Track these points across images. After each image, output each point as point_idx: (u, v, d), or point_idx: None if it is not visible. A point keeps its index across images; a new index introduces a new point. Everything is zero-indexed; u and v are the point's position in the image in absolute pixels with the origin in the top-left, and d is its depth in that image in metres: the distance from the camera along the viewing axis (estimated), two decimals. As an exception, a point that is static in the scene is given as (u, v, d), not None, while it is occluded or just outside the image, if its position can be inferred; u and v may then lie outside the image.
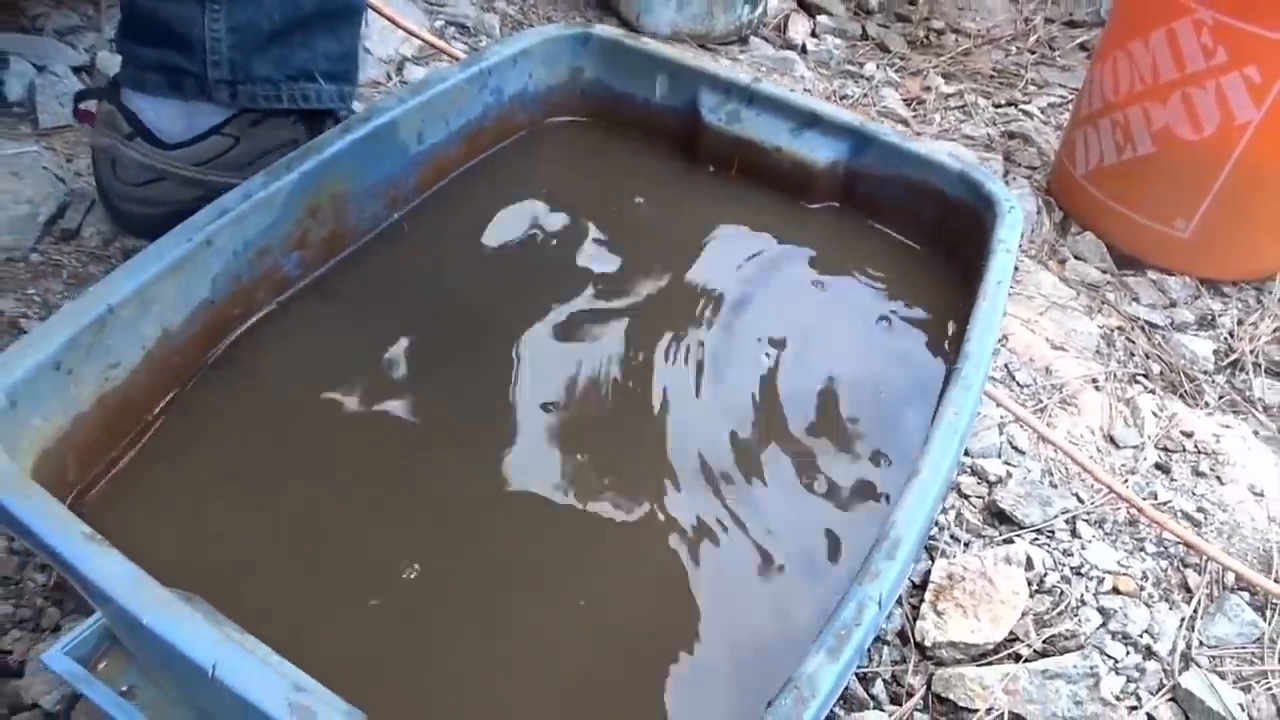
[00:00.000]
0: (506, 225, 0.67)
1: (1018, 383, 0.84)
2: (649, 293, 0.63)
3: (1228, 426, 0.82)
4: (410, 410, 0.54)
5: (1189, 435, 0.80)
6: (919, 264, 0.68)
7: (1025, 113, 1.26)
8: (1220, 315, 0.99)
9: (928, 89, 1.28)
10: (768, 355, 0.60)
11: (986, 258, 0.59)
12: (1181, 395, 0.89)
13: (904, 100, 1.25)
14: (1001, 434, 0.77)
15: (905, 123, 1.21)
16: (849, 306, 0.65)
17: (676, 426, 0.56)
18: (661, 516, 0.51)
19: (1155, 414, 0.82)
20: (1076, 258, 1.03)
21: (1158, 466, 0.77)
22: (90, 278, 0.77)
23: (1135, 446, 0.79)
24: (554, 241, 0.66)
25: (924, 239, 0.68)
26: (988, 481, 0.73)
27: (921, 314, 0.65)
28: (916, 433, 0.57)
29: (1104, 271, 1.02)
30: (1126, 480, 0.75)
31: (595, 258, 0.65)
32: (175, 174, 0.70)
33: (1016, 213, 0.62)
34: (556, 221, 0.67)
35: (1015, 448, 0.77)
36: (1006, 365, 0.86)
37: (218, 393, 0.53)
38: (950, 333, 0.63)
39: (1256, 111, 0.89)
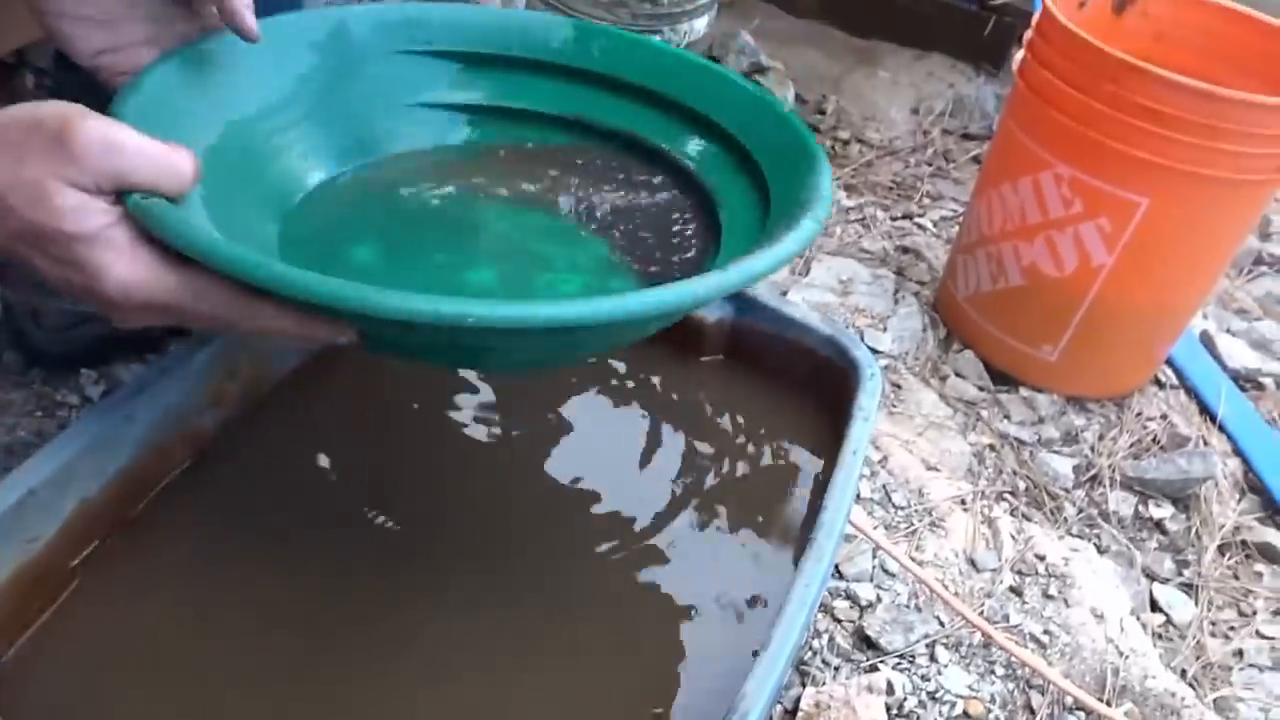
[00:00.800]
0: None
1: (894, 504, 0.91)
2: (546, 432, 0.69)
3: (1076, 550, 0.90)
4: (318, 588, 0.58)
5: (1041, 558, 0.88)
6: (795, 415, 0.74)
7: (919, 226, 1.36)
8: (1083, 431, 1.08)
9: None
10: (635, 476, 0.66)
11: (846, 423, 0.66)
12: (1043, 511, 0.97)
13: (807, 213, 1.33)
14: (875, 558, 0.84)
15: (807, 235, 1.29)
16: (727, 451, 0.71)
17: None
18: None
19: (1013, 536, 0.90)
20: (957, 374, 1.11)
21: (1012, 589, 0.85)
22: (9, 404, 0.80)
23: (993, 569, 0.86)
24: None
25: (800, 391, 0.75)
26: (859, 606, 0.80)
27: (791, 463, 0.71)
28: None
29: (981, 389, 1.10)
30: (983, 604, 0.83)
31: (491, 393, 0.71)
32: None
33: (876, 380, 0.69)
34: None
35: (887, 571, 0.84)
36: (885, 487, 0.93)
37: (129, 555, 0.57)
38: (815, 483, 0.70)
39: (1109, 256, 0.98)
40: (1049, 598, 0.85)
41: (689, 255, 0.59)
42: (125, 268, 0.42)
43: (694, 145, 0.64)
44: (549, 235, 0.59)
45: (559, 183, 0.63)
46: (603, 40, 0.65)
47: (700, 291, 0.44)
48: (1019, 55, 1.04)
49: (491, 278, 0.55)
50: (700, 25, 1.26)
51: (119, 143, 0.42)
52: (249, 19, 0.53)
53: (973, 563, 0.87)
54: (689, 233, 0.60)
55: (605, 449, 0.70)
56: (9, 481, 0.51)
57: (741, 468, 0.70)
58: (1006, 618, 0.82)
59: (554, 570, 0.62)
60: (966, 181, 1.47)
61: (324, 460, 0.65)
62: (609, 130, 0.65)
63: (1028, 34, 1.02)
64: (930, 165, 1.50)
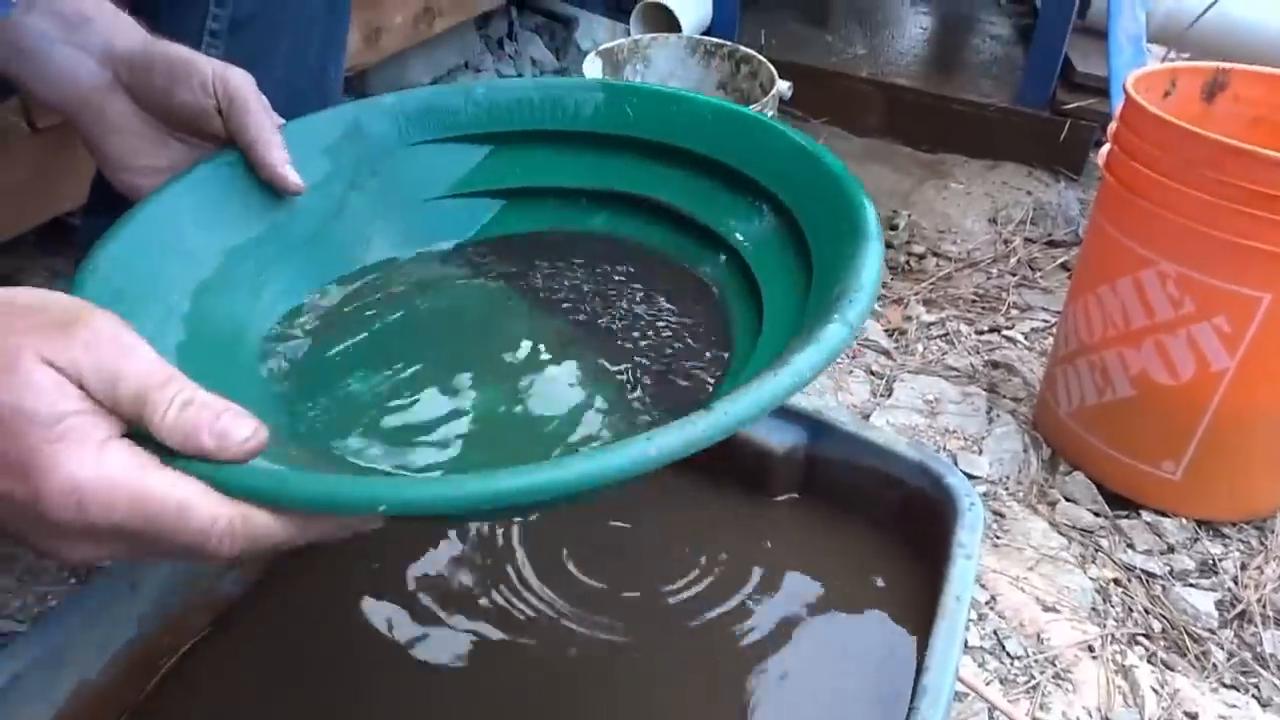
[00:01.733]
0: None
1: (1008, 654, 0.80)
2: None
3: (1234, 706, 0.77)
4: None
5: (1193, 717, 0.75)
6: (886, 555, 0.65)
7: (1009, 339, 1.27)
8: (1221, 560, 0.95)
9: (909, 318, 1.29)
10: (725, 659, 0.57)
11: (946, 564, 0.57)
12: (1187, 657, 0.84)
13: (885, 331, 1.26)
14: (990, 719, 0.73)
15: (888, 354, 1.21)
16: (810, 610, 0.62)
17: None
18: None
19: (1156, 690, 0.77)
20: (1067, 499, 1.00)
21: (1162, 756, 0.72)
22: None
23: (1136, 732, 0.73)
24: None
25: (888, 529, 0.66)
26: (978, 780, 0.68)
27: (885, 617, 0.62)
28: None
29: (1096, 514, 0.99)
30: (1129, 774, 0.70)
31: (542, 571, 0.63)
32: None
33: (977, 511, 0.60)
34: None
35: (1007, 735, 0.72)
36: (996, 632, 0.82)
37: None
38: (914, 638, 0.60)
39: (1231, 360, 0.88)
40: (1208, 764, 0.72)
41: (716, 363, 0.51)
42: (86, 467, 0.34)
43: (736, 211, 0.57)
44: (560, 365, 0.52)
45: (578, 289, 0.57)
46: (634, 99, 0.59)
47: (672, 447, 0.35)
48: (1104, 150, 0.97)
49: (491, 406, 0.49)
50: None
51: (128, 345, 0.35)
52: (291, 177, 0.52)
53: (1110, 723, 0.74)
54: (717, 328, 0.53)
55: (661, 609, 0.62)
56: (-11, 666, 0.45)
57: (824, 625, 0.61)
58: (1159, 792, 0.69)
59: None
60: (1056, 290, 1.38)
61: (367, 614, 0.59)
62: (645, 200, 0.59)
63: (1112, 126, 0.95)
64: (1014, 275, 1.41)
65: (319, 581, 0.61)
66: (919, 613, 0.62)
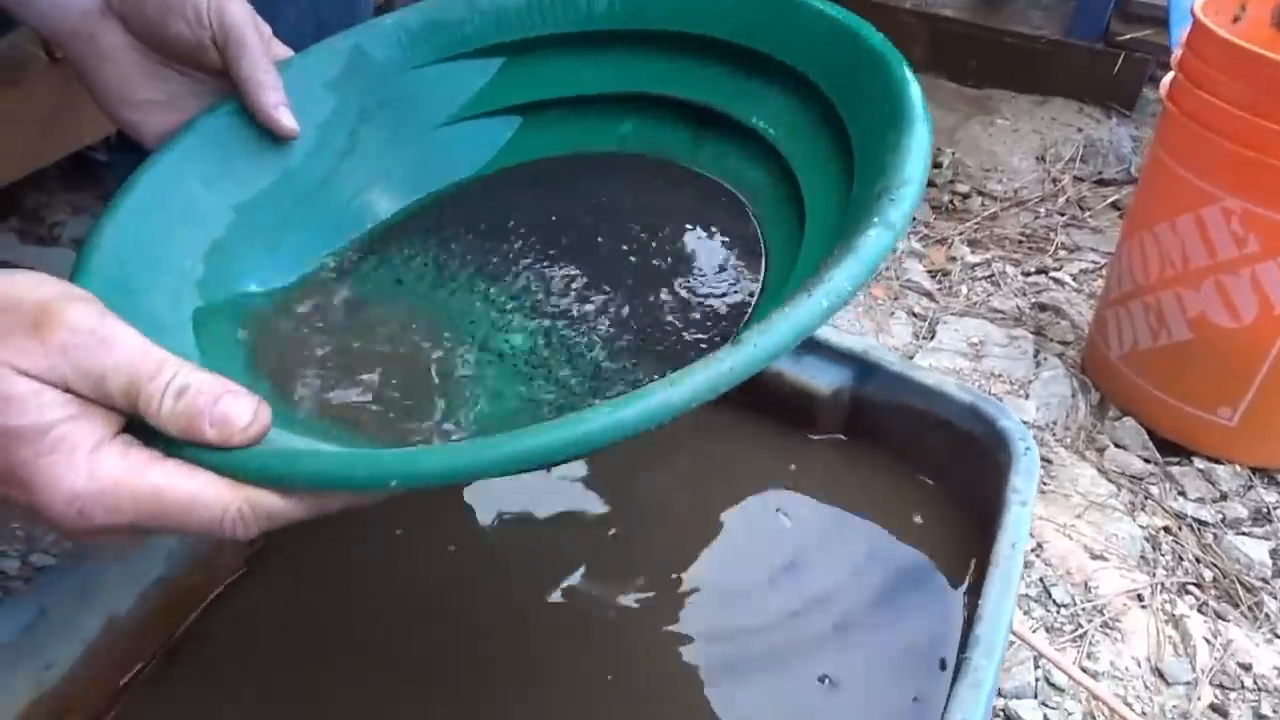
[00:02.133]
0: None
1: (1054, 602, 0.77)
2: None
3: (1291, 658, 0.74)
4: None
5: (1247, 668, 0.73)
6: (931, 501, 0.63)
7: (1056, 280, 1.23)
8: (1276, 508, 0.92)
9: (953, 259, 1.25)
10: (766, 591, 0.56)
11: (1000, 510, 0.55)
12: (1238, 607, 0.81)
13: (928, 272, 1.22)
14: (1037, 668, 0.71)
15: (930, 295, 1.18)
16: (854, 552, 0.60)
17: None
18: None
19: (1208, 640, 0.75)
20: (1117, 445, 0.97)
21: (1213, 708, 0.70)
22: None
23: (1187, 683, 0.71)
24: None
25: (935, 472, 0.63)
26: (1022, 729, 0.66)
27: (932, 564, 0.59)
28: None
29: (1147, 461, 0.96)
30: (1179, 726, 0.68)
31: (577, 497, 0.62)
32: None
33: (1032, 455, 0.57)
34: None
35: (1052, 684, 0.70)
36: (1042, 580, 0.79)
37: (169, 687, 0.50)
38: (965, 584, 0.58)
39: (1297, 301, 0.84)
40: (1261, 718, 0.69)
41: (750, 285, 0.47)
42: (82, 477, 0.32)
43: (768, 102, 0.51)
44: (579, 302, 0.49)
45: (598, 213, 0.53)
46: None
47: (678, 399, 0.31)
48: (1168, 79, 0.92)
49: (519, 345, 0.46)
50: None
51: (108, 337, 0.33)
52: (285, 119, 0.49)
53: (1160, 674, 0.72)
54: (752, 245, 0.49)
55: (699, 551, 0.60)
56: (18, 599, 0.44)
57: (871, 571, 0.59)
58: (1212, 744, 0.67)
59: (664, 691, 0.52)
60: (1106, 230, 1.33)
61: (408, 552, 0.57)
62: (671, 100, 0.54)
63: (1176, 53, 0.90)
64: (1063, 215, 1.36)
65: (357, 519, 0.60)
66: (963, 559, 0.60)
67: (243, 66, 0.48)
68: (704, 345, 0.44)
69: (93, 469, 0.32)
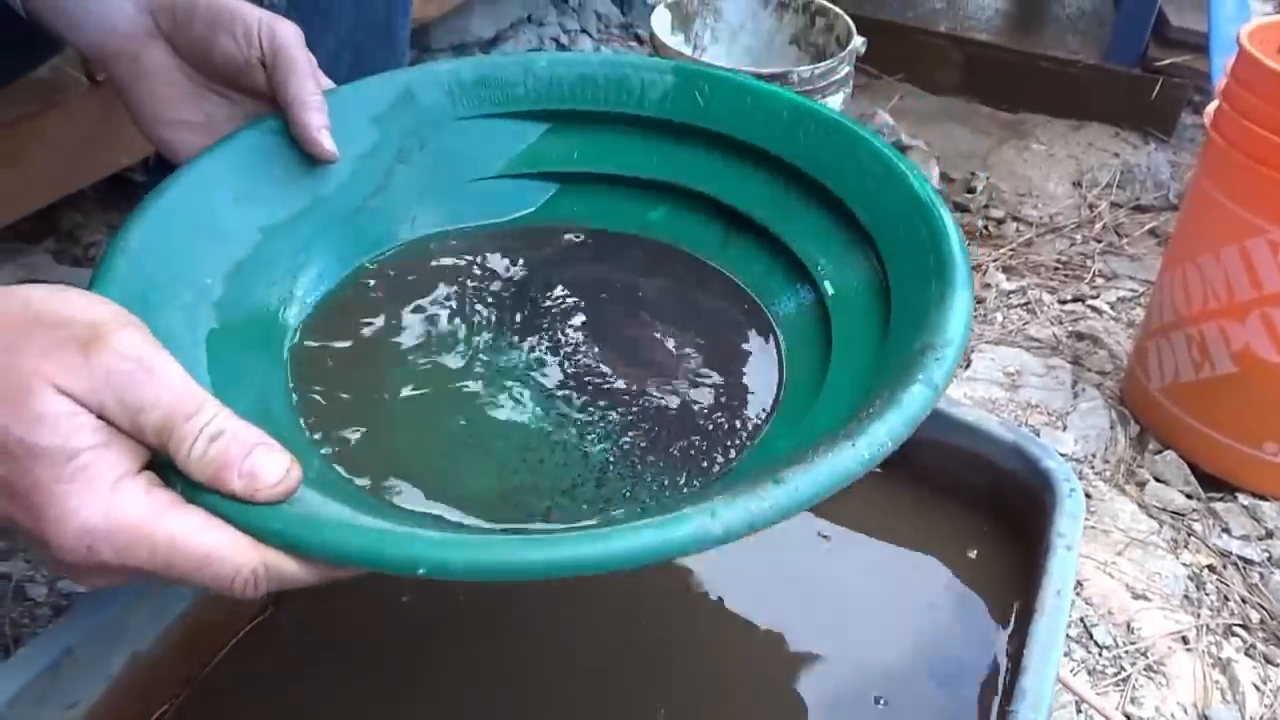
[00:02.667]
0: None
1: (1096, 643, 0.75)
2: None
3: (1345, 708, 0.72)
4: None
5: (1300, 717, 0.70)
6: (972, 539, 0.61)
7: (1094, 309, 1.20)
8: (1325, 547, 0.89)
9: (988, 285, 1.23)
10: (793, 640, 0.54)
11: (1045, 555, 0.53)
12: (1288, 650, 0.79)
13: (962, 299, 1.20)
14: (1079, 713, 0.69)
15: (964, 323, 1.16)
16: (892, 589, 0.58)
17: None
18: None
19: (1258, 686, 0.73)
20: (1157, 479, 0.95)
21: (1265, 760, 0.67)
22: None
23: (1236, 732, 0.69)
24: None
25: (977, 513, 0.62)
26: (1064, 778, 0.64)
27: (977, 601, 0.58)
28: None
29: (1189, 496, 0.93)
30: (1228, 778, 0.66)
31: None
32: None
33: (1078, 497, 0.55)
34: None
35: (1095, 731, 0.68)
36: (1083, 619, 0.77)
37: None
38: (1009, 628, 0.57)
39: (1348, 336, 0.82)
40: (1315, 770, 0.67)
41: (759, 408, 0.46)
42: (98, 512, 0.31)
43: (804, 221, 0.52)
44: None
45: (621, 302, 0.52)
46: (706, 85, 0.54)
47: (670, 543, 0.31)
48: (1212, 108, 0.90)
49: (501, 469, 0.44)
50: (835, 103, 1.18)
51: (154, 369, 0.32)
52: (327, 142, 0.49)
53: (1208, 721, 0.70)
54: (768, 360, 0.48)
55: (726, 589, 0.58)
56: (44, 638, 0.43)
57: (906, 613, 0.57)
58: (1262, 798, 0.64)
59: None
60: (1144, 257, 1.31)
61: (435, 591, 0.57)
62: (707, 198, 0.55)
63: (1221, 82, 0.88)
64: (1100, 242, 1.34)
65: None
66: (1006, 600, 0.58)
67: (290, 86, 0.48)
68: (720, 459, 0.43)
69: (112, 505, 0.32)
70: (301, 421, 0.43)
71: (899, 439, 0.35)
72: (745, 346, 0.50)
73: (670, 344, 0.50)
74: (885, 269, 0.46)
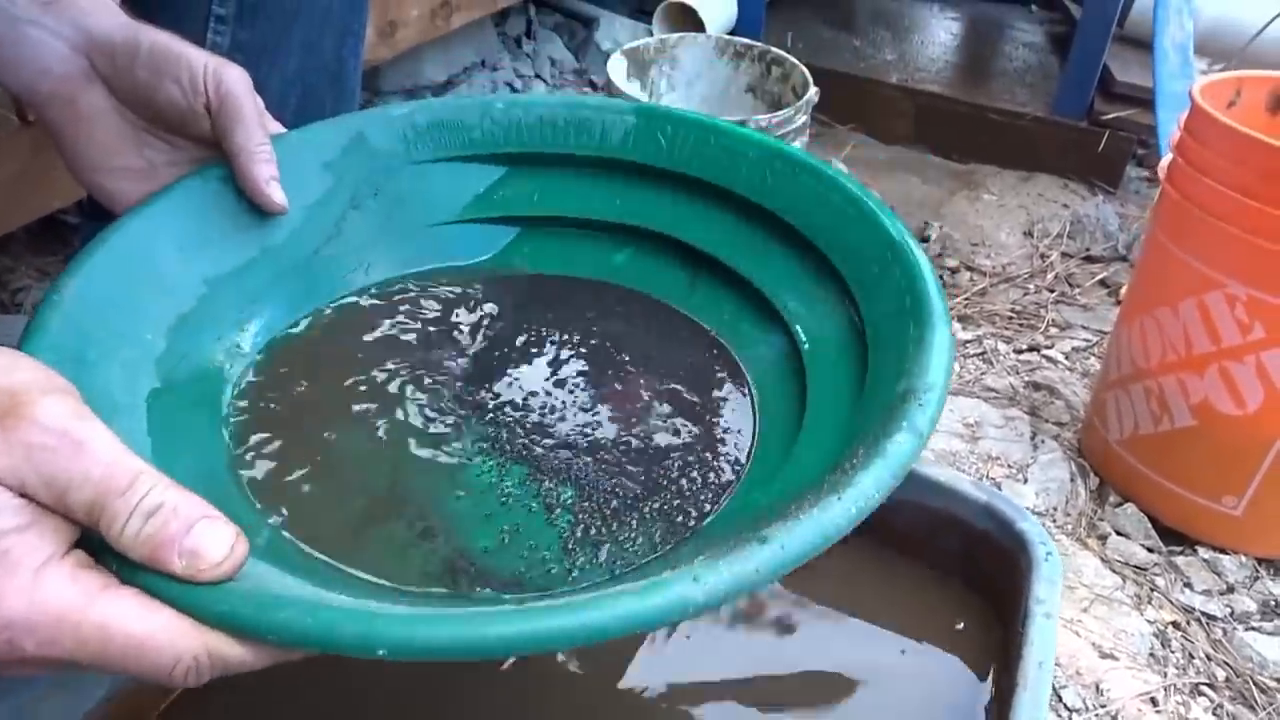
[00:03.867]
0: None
1: (1065, 706, 0.73)
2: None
3: (1317, 771, 0.70)
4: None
5: (1273, 782, 0.69)
6: (943, 609, 0.59)
7: (1049, 359, 1.20)
8: (1286, 601, 0.89)
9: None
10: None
11: (1024, 622, 0.51)
12: (1253, 708, 0.78)
13: (920, 349, 1.20)
14: (1051, 781, 0.66)
15: (922, 373, 1.15)
16: (862, 660, 0.56)
17: None
18: None
19: (1229, 750, 0.71)
20: (1118, 533, 0.94)
21: (1241, 828, 0.66)
22: None
23: (1211, 799, 0.67)
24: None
25: (948, 577, 0.60)
26: None
27: (944, 678, 0.56)
28: None
29: (1150, 550, 0.92)
30: None
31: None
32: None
33: (1054, 561, 0.54)
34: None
35: (1069, 800, 0.65)
36: (1053, 681, 0.75)
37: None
38: (985, 699, 0.54)
39: (1304, 390, 0.82)
40: (1291, 837, 0.65)
41: (732, 460, 0.44)
42: (20, 602, 0.28)
43: (772, 264, 0.50)
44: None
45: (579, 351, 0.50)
46: (669, 126, 0.53)
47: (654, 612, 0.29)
48: (1165, 162, 0.91)
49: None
50: (791, 153, 1.17)
51: (82, 441, 0.29)
52: (276, 194, 0.47)
53: (1181, 788, 0.68)
54: (740, 407, 0.46)
55: (690, 660, 0.56)
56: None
57: (874, 685, 0.55)
58: None
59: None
60: (1096, 307, 1.32)
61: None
62: (671, 240, 0.53)
63: (1174, 136, 0.89)
64: (1053, 291, 1.35)
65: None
66: (982, 665, 0.56)
67: (237, 136, 0.45)
68: (694, 512, 0.41)
69: (34, 594, 0.28)
70: (247, 486, 0.40)
71: (886, 490, 0.33)
72: (717, 395, 0.48)
73: (638, 394, 0.47)
74: (859, 311, 0.44)
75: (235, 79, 0.45)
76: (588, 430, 0.45)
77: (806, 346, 0.46)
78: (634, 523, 0.40)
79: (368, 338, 0.49)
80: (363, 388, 0.46)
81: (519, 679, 0.53)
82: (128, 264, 0.42)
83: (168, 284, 0.44)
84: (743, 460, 0.44)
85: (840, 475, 0.33)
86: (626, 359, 0.49)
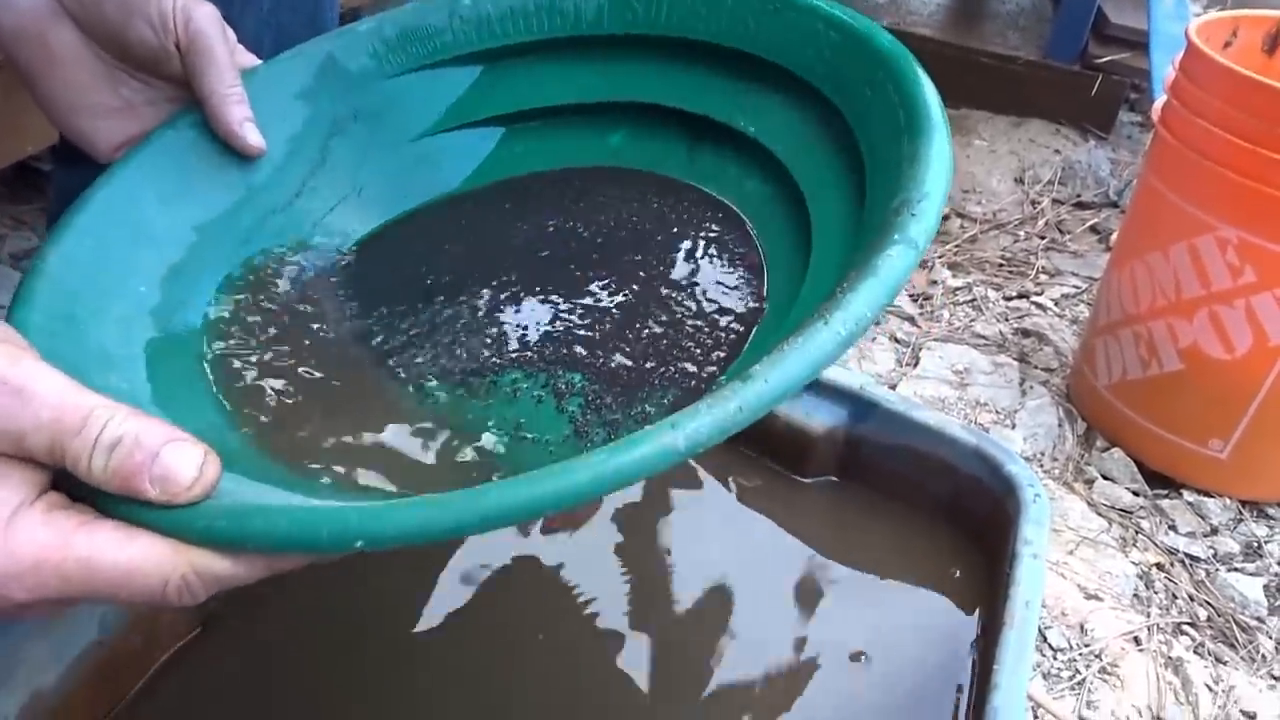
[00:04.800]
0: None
1: (1050, 646, 0.74)
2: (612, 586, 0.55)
3: (1296, 707, 0.72)
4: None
5: (1251, 717, 0.70)
6: (932, 551, 0.59)
7: (1039, 305, 1.20)
8: (1267, 542, 0.90)
9: (934, 282, 1.23)
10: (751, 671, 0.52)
11: (1010, 563, 0.51)
12: (1233, 646, 0.79)
13: (910, 296, 1.19)
14: (1035, 719, 0.67)
15: (913, 320, 1.15)
16: (853, 603, 0.56)
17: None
18: None
19: (1210, 687, 0.72)
20: (1105, 477, 0.95)
21: (1220, 762, 0.67)
22: None
23: (1191, 734, 0.68)
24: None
25: (937, 519, 0.60)
26: (1023, 787, 0.63)
27: (932, 619, 0.56)
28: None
29: (1136, 494, 0.93)
30: (1185, 781, 0.65)
31: (556, 548, 0.57)
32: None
33: (1042, 503, 0.54)
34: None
35: (1052, 737, 0.67)
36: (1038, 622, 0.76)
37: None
38: (972, 637, 0.55)
39: (1293, 334, 0.82)
40: (1269, 771, 0.67)
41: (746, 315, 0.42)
42: None
43: (769, 112, 0.47)
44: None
45: (581, 239, 0.49)
46: None
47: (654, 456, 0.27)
48: (1159, 104, 0.90)
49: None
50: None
51: (24, 388, 0.28)
52: (252, 136, 0.45)
53: (1163, 724, 0.69)
54: (752, 268, 0.45)
55: (673, 606, 0.56)
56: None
57: (863, 626, 0.55)
58: (1219, 802, 0.64)
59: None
60: (1086, 254, 1.32)
61: (369, 609, 0.53)
62: (664, 109, 0.51)
63: (1169, 78, 0.88)
64: (1043, 238, 1.35)
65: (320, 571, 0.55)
66: (969, 607, 0.56)
67: (207, 79, 0.44)
68: (706, 373, 0.40)
69: (9, 543, 0.28)
70: (226, 403, 0.40)
71: (879, 307, 0.30)
72: (726, 258, 0.46)
73: (646, 269, 0.46)
74: (857, 138, 0.41)
75: (205, 17, 0.44)
76: (592, 312, 0.44)
77: (811, 193, 0.44)
78: (645, 394, 0.39)
79: (363, 265, 0.48)
80: (356, 308, 0.45)
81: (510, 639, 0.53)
82: (111, 223, 0.42)
83: (156, 237, 0.43)
84: (754, 315, 0.42)
85: (830, 301, 0.30)
86: (630, 237, 0.48)
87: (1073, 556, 0.84)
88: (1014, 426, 0.99)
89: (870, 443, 0.61)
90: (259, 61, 0.48)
